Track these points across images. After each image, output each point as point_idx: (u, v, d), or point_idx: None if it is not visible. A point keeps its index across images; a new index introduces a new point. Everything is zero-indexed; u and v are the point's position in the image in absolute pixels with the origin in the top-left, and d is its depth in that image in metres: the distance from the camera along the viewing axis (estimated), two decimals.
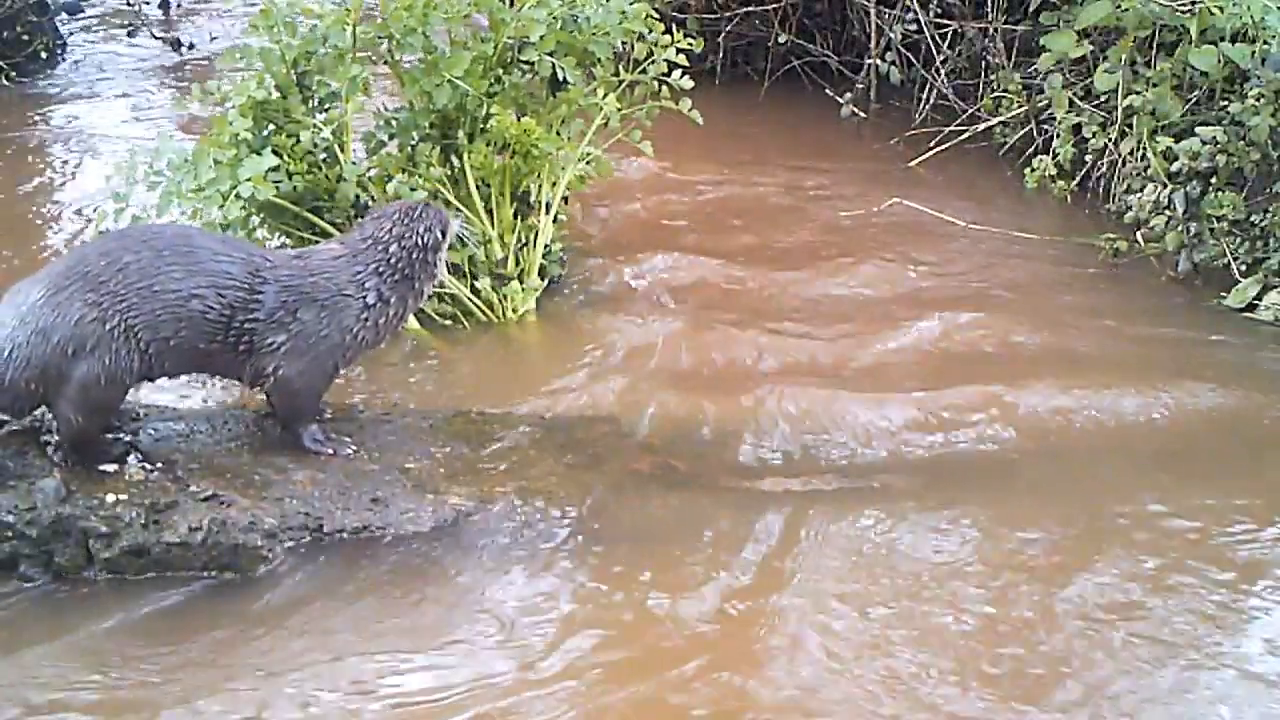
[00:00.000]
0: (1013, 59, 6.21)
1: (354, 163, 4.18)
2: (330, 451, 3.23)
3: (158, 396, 3.66)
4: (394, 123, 4.36)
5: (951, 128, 6.15)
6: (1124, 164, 5.30)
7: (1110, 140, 5.38)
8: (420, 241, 3.26)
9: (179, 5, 8.63)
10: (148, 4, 8.25)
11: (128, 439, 3.11)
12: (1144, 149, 5.12)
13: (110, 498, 2.93)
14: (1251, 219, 4.71)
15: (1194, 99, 5.14)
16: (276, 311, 3.09)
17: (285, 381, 3.13)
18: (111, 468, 3.01)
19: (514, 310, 4.32)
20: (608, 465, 3.41)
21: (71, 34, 7.69)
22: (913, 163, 5.97)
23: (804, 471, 3.49)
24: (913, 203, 5.45)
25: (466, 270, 4.29)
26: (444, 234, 3.32)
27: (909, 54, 6.56)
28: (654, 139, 4.60)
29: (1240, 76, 4.95)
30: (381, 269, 3.22)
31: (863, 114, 6.63)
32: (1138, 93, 5.20)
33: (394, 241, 3.24)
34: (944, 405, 3.77)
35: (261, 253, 3.21)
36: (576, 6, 4.32)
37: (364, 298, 3.19)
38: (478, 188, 4.29)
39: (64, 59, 7.38)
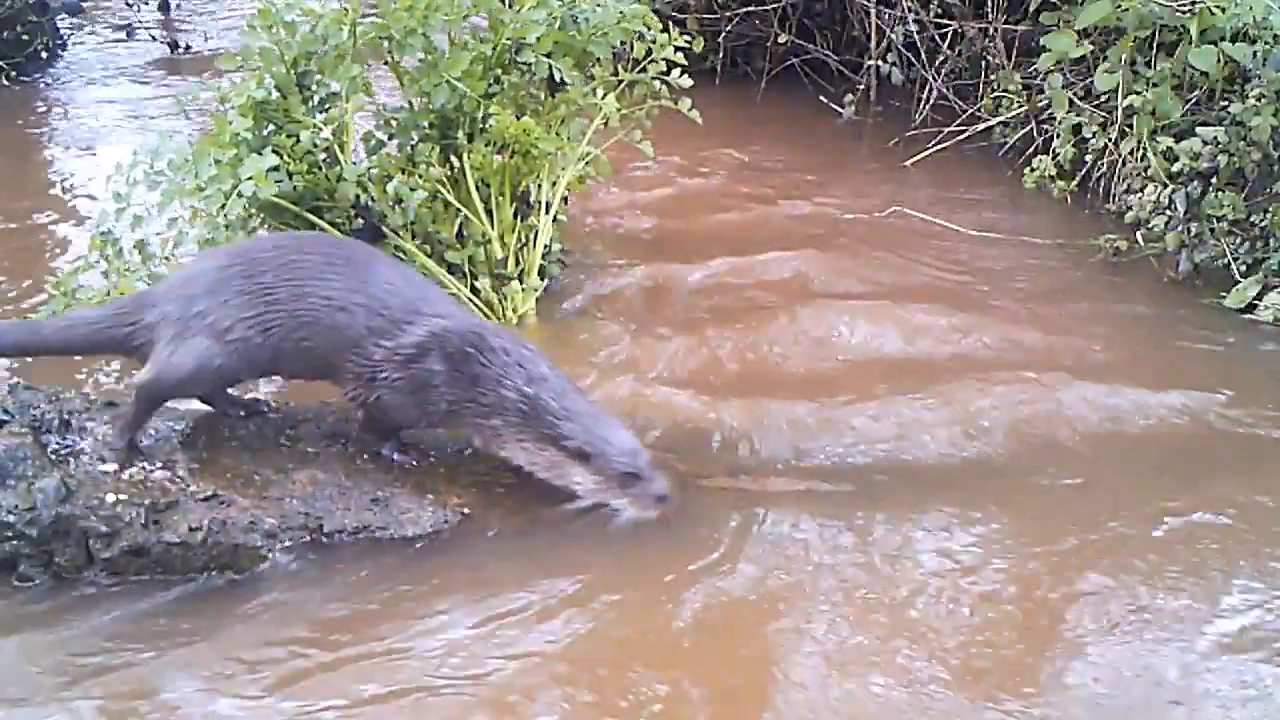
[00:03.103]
0: (1013, 59, 6.21)
1: (354, 163, 4.18)
2: (410, 459, 3.27)
3: None
4: (394, 123, 4.36)
5: (951, 128, 6.15)
6: (1124, 164, 5.30)
7: (1110, 140, 5.38)
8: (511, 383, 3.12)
9: (178, 6, 8.63)
10: (147, 4, 8.25)
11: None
12: (1144, 149, 5.13)
13: (110, 498, 2.93)
14: (1252, 219, 4.71)
15: (1194, 99, 5.14)
16: (405, 349, 3.12)
17: (383, 407, 3.16)
18: (109, 467, 3.00)
19: (514, 311, 4.31)
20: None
21: (71, 34, 7.68)
22: (908, 163, 5.98)
23: (804, 473, 3.49)
24: (912, 205, 5.45)
25: (466, 270, 4.29)
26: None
27: (909, 54, 6.56)
28: (654, 139, 4.61)
29: (1241, 76, 4.96)
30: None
31: (863, 115, 6.64)
32: (1138, 93, 5.20)
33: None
34: (944, 406, 3.77)
35: (435, 298, 3.22)
36: (575, 7, 4.32)
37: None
38: (477, 188, 4.28)
39: (64, 59, 7.38)
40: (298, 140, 4.02)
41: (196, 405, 3.58)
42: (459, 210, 4.29)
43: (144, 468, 3.04)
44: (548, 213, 4.40)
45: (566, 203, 4.69)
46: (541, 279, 4.42)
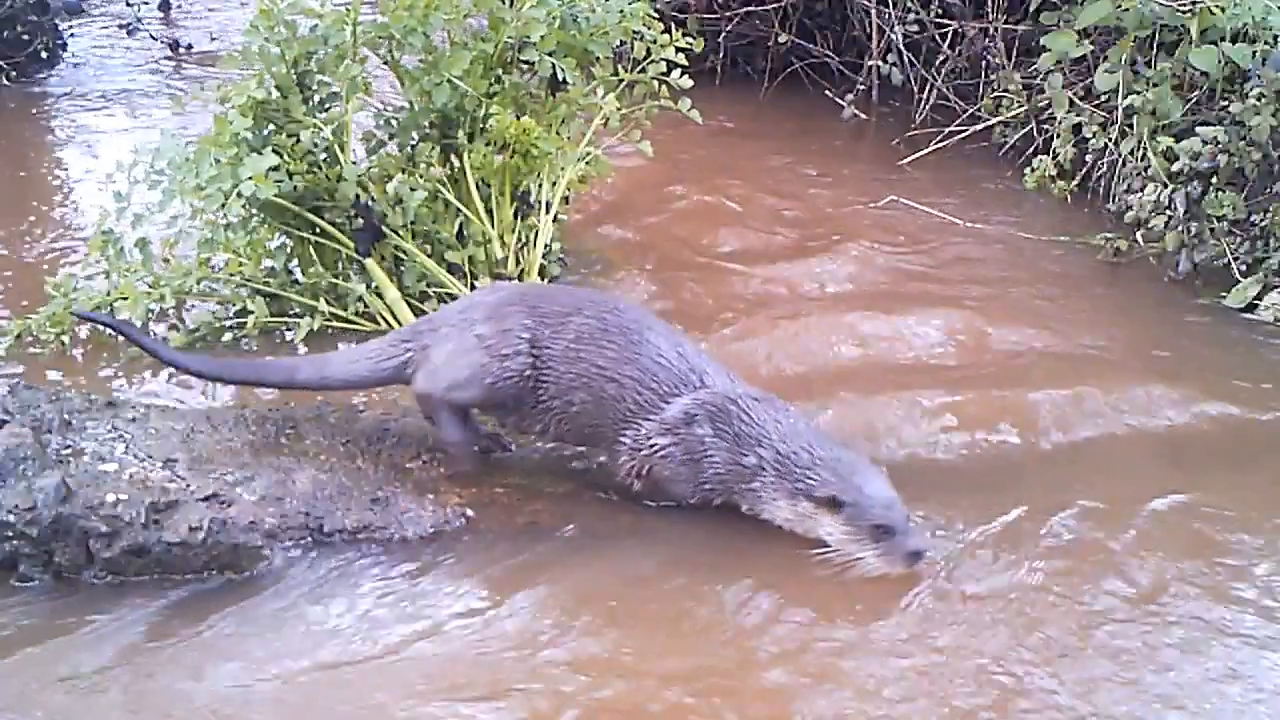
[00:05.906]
0: (1013, 59, 6.21)
1: (354, 163, 4.18)
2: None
3: (158, 396, 3.67)
4: (394, 122, 4.36)
5: (952, 127, 6.15)
6: (1124, 164, 5.30)
7: (1110, 140, 5.38)
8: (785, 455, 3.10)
9: (179, 5, 8.62)
10: (147, 3, 8.24)
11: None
12: (1144, 149, 5.13)
13: (110, 498, 2.93)
14: (1252, 219, 4.71)
15: (1194, 99, 5.14)
16: (671, 419, 3.16)
17: (656, 480, 3.21)
18: (110, 467, 3.01)
19: None
20: (608, 465, 3.41)
21: (71, 34, 7.67)
22: (904, 161, 5.98)
23: None
24: (912, 202, 5.45)
25: (466, 270, 4.29)
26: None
27: (910, 54, 6.56)
28: (654, 139, 4.61)
29: (1241, 76, 4.96)
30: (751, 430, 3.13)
31: (863, 114, 6.63)
32: (1138, 93, 5.20)
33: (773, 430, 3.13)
34: (944, 406, 3.77)
35: (704, 366, 3.23)
36: (576, 6, 4.32)
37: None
38: (478, 188, 4.29)
39: (64, 59, 7.37)
40: (298, 140, 4.02)
41: (196, 405, 3.58)
42: (459, 210, 4.29)
43: (144, 467, 3.04)
44: (548, 213, 4.40)
45: (568, 202, 4.69)
46: (542, 279, 4.42)
